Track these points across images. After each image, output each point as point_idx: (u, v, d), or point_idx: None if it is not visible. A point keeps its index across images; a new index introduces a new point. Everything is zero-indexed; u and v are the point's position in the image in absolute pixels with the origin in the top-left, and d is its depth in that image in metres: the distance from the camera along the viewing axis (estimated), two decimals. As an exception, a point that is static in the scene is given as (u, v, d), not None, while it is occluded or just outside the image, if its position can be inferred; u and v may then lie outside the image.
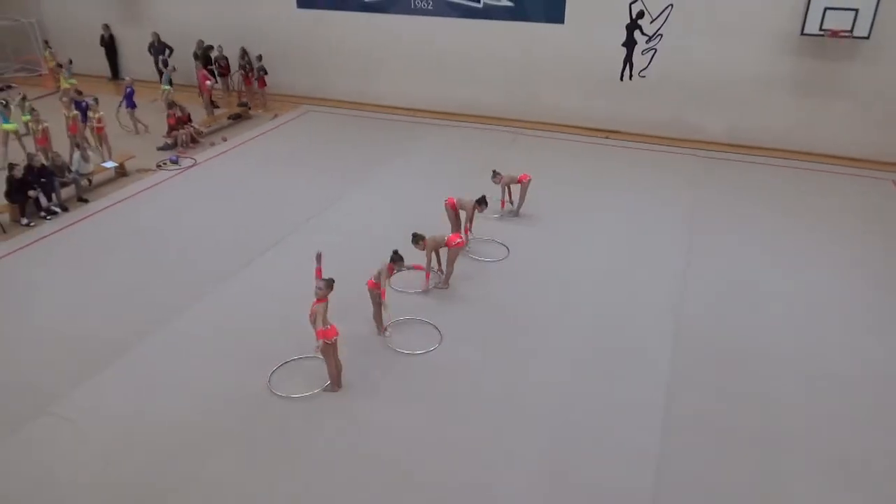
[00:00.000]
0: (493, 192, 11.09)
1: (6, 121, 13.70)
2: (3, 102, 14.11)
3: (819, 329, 8.70)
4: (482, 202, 10.24)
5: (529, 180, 11.39)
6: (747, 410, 7.30)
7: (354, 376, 7.66)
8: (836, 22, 13.01)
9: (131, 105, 15.59)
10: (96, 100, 14.17)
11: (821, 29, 13.21)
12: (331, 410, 7.27)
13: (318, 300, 7.03)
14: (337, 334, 7.19)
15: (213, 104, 17.04)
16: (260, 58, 17.61)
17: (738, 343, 8.38)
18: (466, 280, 9.67)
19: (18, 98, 14.80)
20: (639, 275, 9.90)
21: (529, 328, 8.68)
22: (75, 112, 13.76)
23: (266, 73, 17.63)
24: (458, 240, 9.31)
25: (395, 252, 8.32)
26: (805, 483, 6.45)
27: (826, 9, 12.98)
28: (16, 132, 13.97)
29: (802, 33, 13.45)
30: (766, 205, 12.15)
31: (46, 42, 19.57)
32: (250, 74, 17.60)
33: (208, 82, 16.81)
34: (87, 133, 14.24)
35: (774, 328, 8.68)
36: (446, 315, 8.90)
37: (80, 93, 15.11)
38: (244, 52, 17.60)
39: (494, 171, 11.41)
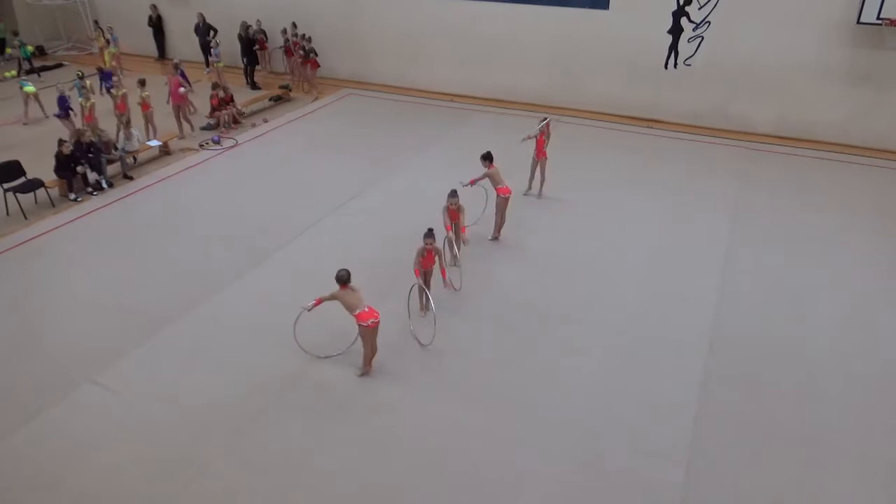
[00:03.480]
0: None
1: (80, 95, 14.01)
2: (80, 74, 14.87)
3: (863, 328, 8.43)
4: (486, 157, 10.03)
5: (545, 158, 11.49)
6: (784, 408, 7.14)
7: (387, 360, 7.72)
8: (897, 10, 12.49)
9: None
10: (143, 81, 14.43)
11: (878, 17, 12.70)
12: (363, 393, 7.36)
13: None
14: (373, 318, 7.13)
15: (185, 119, 14.94)
16: (310, 39, 17.61)
17: (777, 340, 8.18)
18: (500, 267, 9.63)
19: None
20: (677, 268, 9.73)
21: (563, 318, 8.61)
22: (124, 90, 14.06)
23: (317, 54, 17.46)
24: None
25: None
26: (841, 483, 6.30)
27: (885, -5, 12.46)
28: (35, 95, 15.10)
29: (859, 22, 12.94)
30: (813, 200, 11.78)
31: (97, 22, 20.01)
32: (300, 57, 17.53)
33: (181, 89, 14.63)
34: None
35: (816, 326, 8.45)
36: (479, 302, 8.90)
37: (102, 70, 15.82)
38: (302, 35, 17.60)
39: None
